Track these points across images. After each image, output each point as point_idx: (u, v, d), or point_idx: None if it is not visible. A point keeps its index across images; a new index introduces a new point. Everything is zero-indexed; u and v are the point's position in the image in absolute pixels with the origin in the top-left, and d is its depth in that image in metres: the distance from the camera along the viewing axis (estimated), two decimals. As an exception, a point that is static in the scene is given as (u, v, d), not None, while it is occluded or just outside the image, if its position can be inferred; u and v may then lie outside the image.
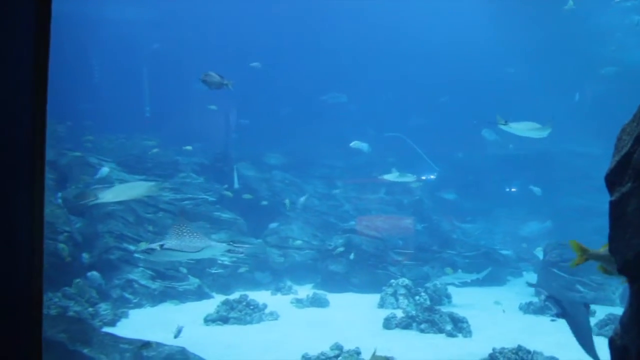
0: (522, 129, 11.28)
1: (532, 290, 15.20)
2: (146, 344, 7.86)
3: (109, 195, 10.46)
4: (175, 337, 9.89)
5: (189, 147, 17.92)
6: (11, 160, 1.99)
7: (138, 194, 11.04)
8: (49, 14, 2.08)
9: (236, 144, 23.75)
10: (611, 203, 2.92)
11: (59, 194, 14.14)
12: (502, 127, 10.81)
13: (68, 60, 19.29)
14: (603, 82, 21.95)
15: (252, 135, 24.23)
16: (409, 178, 15.06)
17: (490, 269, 15.49)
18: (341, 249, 15.81)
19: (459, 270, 15.61)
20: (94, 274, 12.22)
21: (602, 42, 22.98)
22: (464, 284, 15.98)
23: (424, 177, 24.67)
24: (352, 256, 15.50)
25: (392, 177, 15.19)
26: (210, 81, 10.00)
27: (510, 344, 8.90)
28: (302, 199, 16.46)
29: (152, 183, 11.77)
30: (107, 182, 15.13)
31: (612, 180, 2.97)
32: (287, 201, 16.67)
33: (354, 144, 16.78)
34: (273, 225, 17.33)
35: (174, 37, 24.39)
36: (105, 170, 15.26)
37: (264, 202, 18.33)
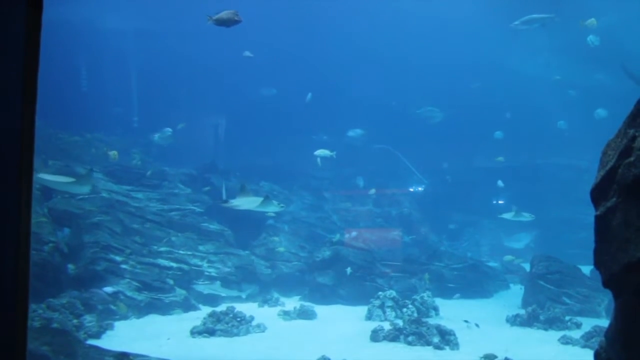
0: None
1: (518, 302, 15.24)
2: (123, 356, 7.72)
3: (238, 202, 12.38)
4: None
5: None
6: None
7: (258, 208, 12.72)
8: (39, 21, 2.06)
9: (225, 155, 23.68)
10: (596, 217, 2.95)
11: (45, 204, 13.99)
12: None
13: (57, 65, 19.10)
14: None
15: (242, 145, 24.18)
16: (526, 217, 15.34)
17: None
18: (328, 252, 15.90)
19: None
20: None
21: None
22: (451, 297, 16.03)
23: (412, 189, 24.82)
24: (349, 270, 15.37)
25: (509, 216, 15.53)
26: (220, 18, 10.07)
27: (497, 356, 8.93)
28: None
29: (272, 200, 13.07)
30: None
31: (598, 195, 3.00)
32: None
33: (319, 152, 16.31)
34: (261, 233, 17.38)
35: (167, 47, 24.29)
36: (168, 130, 15.76)
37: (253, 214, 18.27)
